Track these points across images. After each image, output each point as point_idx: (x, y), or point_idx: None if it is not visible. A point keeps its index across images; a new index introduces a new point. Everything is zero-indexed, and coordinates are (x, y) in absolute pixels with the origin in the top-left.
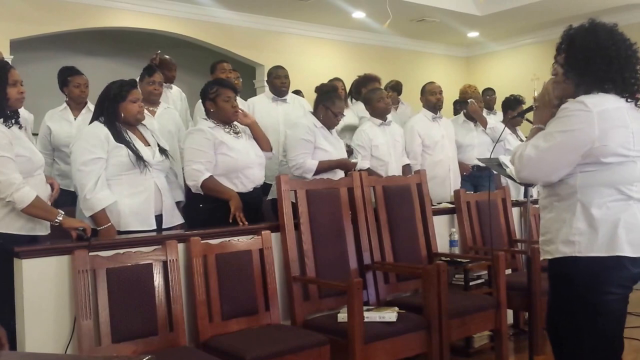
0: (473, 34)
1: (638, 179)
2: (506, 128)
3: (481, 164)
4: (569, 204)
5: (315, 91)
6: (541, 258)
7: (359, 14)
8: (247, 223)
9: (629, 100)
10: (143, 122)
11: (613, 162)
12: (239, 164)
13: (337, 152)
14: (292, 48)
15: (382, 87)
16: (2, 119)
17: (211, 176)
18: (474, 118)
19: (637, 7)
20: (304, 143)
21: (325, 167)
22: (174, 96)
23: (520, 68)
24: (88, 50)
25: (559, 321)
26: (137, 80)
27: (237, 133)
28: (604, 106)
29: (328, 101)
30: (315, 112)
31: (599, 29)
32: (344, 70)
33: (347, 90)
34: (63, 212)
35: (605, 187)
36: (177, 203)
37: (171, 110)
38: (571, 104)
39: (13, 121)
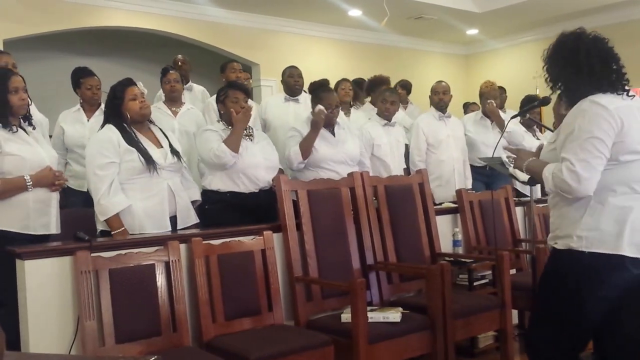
0: (472, 32)
1: None
2: (523, 127)
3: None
4: (582, 201)
5: (308, 91)
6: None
7: (355, 12)
8: (250, 110)
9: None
10: (160, 123)
11: (630, 160)
12: (238, 164)
13: (337, 151)
14: (288, 47)
15: (391, 86)
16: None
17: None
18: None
19: (636, 3)
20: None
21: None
22: (195, 96)
23: (521, 66)
24: (81, 50)
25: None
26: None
27: (249, 136)
28: (616, 104)
29: (314, 101)
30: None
31: (567, 40)
32: (340, 69)
33: (353, 90)
34: (29, 175)
35: (619, 184)
36: (195, 202)
37: (194, 111)
38: (586, 105)
39: (18, 126)
